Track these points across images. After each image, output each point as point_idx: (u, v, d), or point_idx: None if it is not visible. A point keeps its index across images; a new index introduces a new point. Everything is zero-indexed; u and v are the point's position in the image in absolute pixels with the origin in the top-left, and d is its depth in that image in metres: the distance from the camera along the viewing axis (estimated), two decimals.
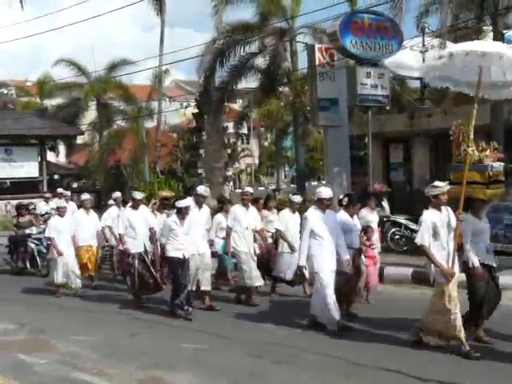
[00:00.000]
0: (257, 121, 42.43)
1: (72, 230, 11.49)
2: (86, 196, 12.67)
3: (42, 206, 16.50)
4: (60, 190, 17.13)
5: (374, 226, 10.01)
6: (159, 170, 31.32)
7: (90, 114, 33.11)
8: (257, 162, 56.88)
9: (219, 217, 10.82)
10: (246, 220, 10.07)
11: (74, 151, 36.59)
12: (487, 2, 15.44)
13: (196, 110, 27.59)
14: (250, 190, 10.86)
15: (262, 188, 38.80)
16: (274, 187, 36.73)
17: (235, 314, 9.29)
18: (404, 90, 24.06)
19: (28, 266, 14.00)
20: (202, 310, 9.63)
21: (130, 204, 10.95)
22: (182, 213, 9.26)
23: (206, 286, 9.75)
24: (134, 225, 10.37)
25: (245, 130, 45.60)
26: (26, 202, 16.79)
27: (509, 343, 7.22)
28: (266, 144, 55.32)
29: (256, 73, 23.54)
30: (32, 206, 15.85)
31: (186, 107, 38.85)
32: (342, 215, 8.92)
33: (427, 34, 19.04)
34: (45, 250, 13.24)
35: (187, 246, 9.31)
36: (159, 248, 10.50)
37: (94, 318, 9.51)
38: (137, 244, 10.32)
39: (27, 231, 14.10)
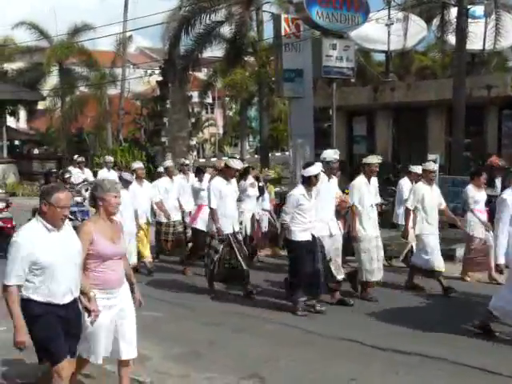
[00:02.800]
0: (222, 90, 42.10)
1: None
2: (138, 164, 10.92)
3: (76, 174, 14.31)
4: (77, 156, 15.77)
5: (482, 206, 9.23)
6: (122, 138, 30.99)
7: (52, 80, 32.35)
8: (221, 131, 56.66)
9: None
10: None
11: (35, 117, 35.80)
12: None
13: (160, 78, 27.25)
14: None
15: (226, 158, 38.66)
16: (237, 157, 36.63)
17: (198, 283, 9.29)
18: (369, 62, 24.15)
19: None
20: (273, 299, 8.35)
21: (216, 174, 9.48)
22: (312, 183, 7.52)
23: (339, 275, 8.04)
24: (227, 199, 8.52)
25: (209, 100, 45.32)
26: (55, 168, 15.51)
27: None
28: (230, 114, 55.05)
29: (222, 42, 23.34)
30: (68, 175, 13.12)
31: (151, 75, 38.30)
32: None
33: (393, 7, 19.08)
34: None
35: (315, 224, 7.63)
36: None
37: None
38: (227, 223, 8.50)
39: None
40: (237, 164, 8.66)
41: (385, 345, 6.35)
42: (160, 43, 24.48)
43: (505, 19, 18.83)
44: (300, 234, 7.49)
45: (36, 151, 33.29)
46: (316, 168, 7.54)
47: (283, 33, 15.98)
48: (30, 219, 10.78)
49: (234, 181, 8.84)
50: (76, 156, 16.53)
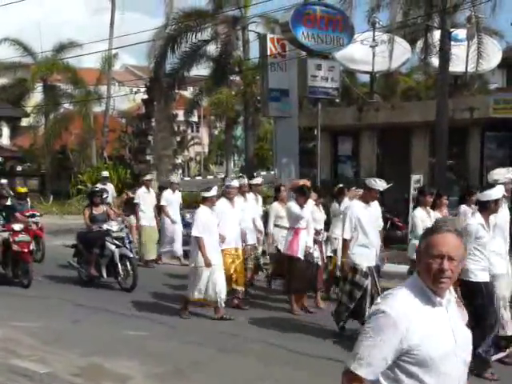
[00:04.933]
0: (207, 109, 42.17)
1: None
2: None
3: (142, 194, 12.87)
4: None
5: None
6: (106, 156, 30.89)
7: (36, 96, 32.26)
8: (206, 150, 56.72)
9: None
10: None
11: (19, 134, 35.60)
12: (436, 0, 15.75)
13: (146, 96, 27.22)
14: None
15: (211, 177, 38.68)
16: (223, 176, 36.66)
17: (178, 302, 9.20)
18: (353, 83, 24.36)
19: (104, 274, 10.44)
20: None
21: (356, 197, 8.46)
22: (491, 210, 6.20)
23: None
24: (367, 226, 7.39)
25: (195, 118, 45.39)
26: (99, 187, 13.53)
27: None
28: (215, 133, 55.16)
29: (207, 61, 23.43)
30: (106, 195, 12.52)
31: (136, 93, 38.29)
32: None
33: (377, 29, 19.30)
34: (131, 254, 10.29)
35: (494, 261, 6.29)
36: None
37: (36, 305, 9.31)
38: (371, 254, 7.37)
39: (105, 227, 10.43)
40: (379, 184, 7.35)
41: None
42: (146, 61, 24.48)
43: (486, 42, 19.10)
44: (480, 274, 6.09)
45: (19, 168, 33.04)
46: (498, 191, 6.16)
47: (269, 53, 16.11)
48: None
49: (375, 204, 7.54)
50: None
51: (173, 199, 12.78)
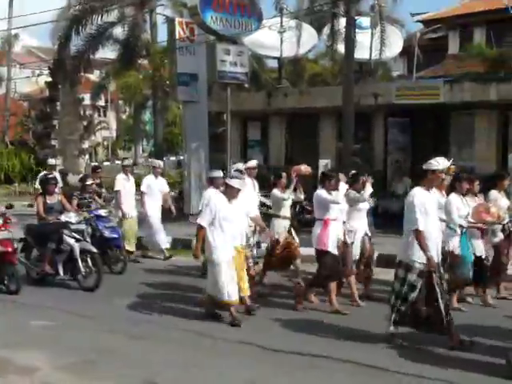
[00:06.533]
0: (115, 93, 41.30)
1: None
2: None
3: (121, 180, 11.66)
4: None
5: None
6: (8, 141, 29.63)
7: None
8: (114, 135, 55.52)
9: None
10: None
11: None
12: None
13: (49, 79, 26.32)
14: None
15: (119, 162, 37.89)
16: (131, 161, 36.01)
17: (99, 291, 8.96)
18: (262, 68, 24.55)
19: (60, 272, 9.24)
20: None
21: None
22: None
23: None
24: (431, 216, 6.38)
25: (102, 102, 44.31)
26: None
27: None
28: (123, 117, 54.09)
29: (115, 43, 22.90)
30: (89, 181, 10.95)
31: (39, 75, 36.88)
32: None
33: (285, 15, 19.52)
34: (94, 249, 9.10)
35: None
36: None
37: None
38: (433, 250, 6.31)
39: (63, 218, 9.23)
40: (442, 164, 6.34)
41: (287, 348, 6.41)
42: (49, 42, 23.62)
43: (389, 31, 19.80)
44: None
45: None
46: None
47: (178, 36, 15.92)
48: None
49: (434, 190, 6.60)
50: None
51: (155, 185, 11.65)
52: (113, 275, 10.03)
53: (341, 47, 18.18)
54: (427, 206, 6.21)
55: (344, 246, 7.90)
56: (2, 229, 8.81)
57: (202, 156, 16.48)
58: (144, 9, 21.56)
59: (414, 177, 16.23)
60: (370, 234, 8.53)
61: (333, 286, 7.74)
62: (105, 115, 53.96)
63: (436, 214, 6.43)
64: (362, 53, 18.66)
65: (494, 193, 8.09)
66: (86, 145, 27.02)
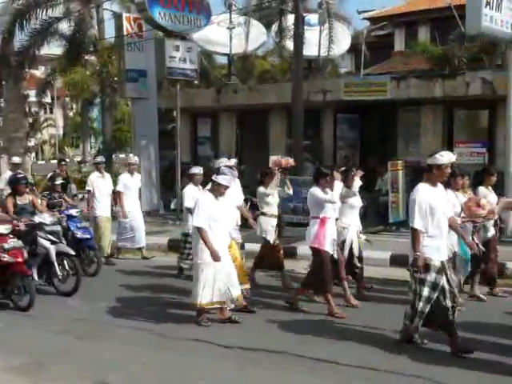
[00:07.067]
0: (61, 90, 40.41)
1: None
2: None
3: (95, 179, 11.24)
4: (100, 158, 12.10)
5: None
6: None
7: None
8: (61, 132, 54.47)
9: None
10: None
11: None
12: None
13: None
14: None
15: (68, 160, 37.16)
16: (79, 159, 35.51)
17: (47, 290, 8.76)
18: (212, 65, 24.48)
19: (35, 276, 8.56)
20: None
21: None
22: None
23: None
24: (438, 213, 6.15)
25: (48, 99, 43.32)
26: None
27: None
28: (71, 114, 53.06)
29: (60, 39, 22.39)
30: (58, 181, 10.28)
31: None
32: None
33: (234, 11, 19.51)
34: (71, 252, 8.68)
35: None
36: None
37: None
38: (444, 247, 6.23)
39: (37, 219, 8.73)
40: (446, 158, 6.08)
41: (242, 344, 6.45)
42: None
43: (336, 28, 20.03)
44: None
45: None
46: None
47: (125, 32, 15.73)
48: None
49: (440, 186, 6.26)
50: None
51: (132, 184, 11.33)
52: (86, 277, 9.47)
53: (290, 44, 18.29)
54: (433, 203, 5.96)
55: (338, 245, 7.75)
56: (10, 238, 8.05)
57: (152, 153, 16.35)
58: (90, 4, 21.17)
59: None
60: (361, 231, 8.38)
61: (330, 287, 7.49)
62: (51, 112, 52.89)
63: (445, 211, 6.14)
64: (310, 50, 18.84)
65: (482, 189, 8.00)
66: (31, 143, 26.42)
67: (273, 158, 8.73)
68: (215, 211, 6.99)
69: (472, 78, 14.22)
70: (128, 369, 5.85)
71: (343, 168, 8.34)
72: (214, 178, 7.11)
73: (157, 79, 16.64)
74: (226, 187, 7.07)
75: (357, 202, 8.15)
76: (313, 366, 5.81)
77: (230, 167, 7.79)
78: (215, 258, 6.86)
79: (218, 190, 7.05)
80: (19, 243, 8.04)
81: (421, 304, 6.01)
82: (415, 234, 5.95)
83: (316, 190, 7.49)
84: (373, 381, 5.50)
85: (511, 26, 11.08)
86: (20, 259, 7.87)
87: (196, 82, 18.51)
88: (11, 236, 8.04)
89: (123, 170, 11.30)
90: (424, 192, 5.97)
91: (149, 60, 15.76)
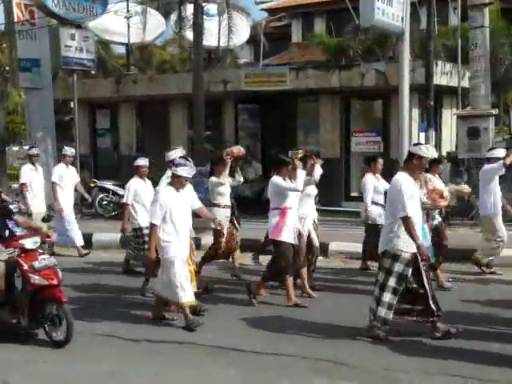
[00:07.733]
0: None
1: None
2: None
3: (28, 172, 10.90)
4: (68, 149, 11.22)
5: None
6: None
7: None
8: None
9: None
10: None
11: None
12: None
13: None
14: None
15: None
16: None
17: None
18: (109, 54, 23.91)
19: None
20: None
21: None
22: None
23: None
24: (415, 203, 6.26)
25: None
26: None
27: None
28: None
29: None
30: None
31: None
32: None
33: (131, 0, 19.16)
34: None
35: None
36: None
37: None
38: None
39: None
40: (430, 153, 6.19)
41: (214, 343, 6.20)
42: None
43: (236, 19, 20.08)
44: None
45: None
46: None
47: (16, 19, 15.04)
48: None
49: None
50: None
51: (67, 176, 10.88)
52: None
53: (189, 34, 18.19)
54: (413, 192, 6.02)
55: (298, 235, 7.56)
56: (40, 251, 6.43)
57: (49, 145, 15.75)
58: None
59: (264, 162, 16.77)
60: (317, 221, 8.34)
61: (290, 279, 7.41)
62: None
63: (419, 201, 6.27)
64: (210, 40, 18.82)
65: (431, 177, 7.96)
66: None
67: (227, 150, 8.55)
68: (177, 205, 6.70)
69: (366, 69, 14.75)
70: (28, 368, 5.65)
71: (301, 155, 8.12)
72: (173, 170, 6.82)
73: (52, 69, 16.05)
74: (187, 178, 6.78)
75: (313, 190, 8.07)
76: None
77: (186, 158, 7.39)
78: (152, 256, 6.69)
79: (179, 182, 6.73)
80: (52, 261, 6.44)
81: (388, 295, 6.00)
82: (409, 222, 5.85)
83: (277, 179, 7.32)
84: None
85: (401, 20, 11.58)
86: (55, 281, 6.24)
87: (93, 72, 18.01)
88: (41, 251, 6.46)
89: (24, 162, 10.70)
90: (406, 181, 6.00)
91: (43, 49, 15.16)
